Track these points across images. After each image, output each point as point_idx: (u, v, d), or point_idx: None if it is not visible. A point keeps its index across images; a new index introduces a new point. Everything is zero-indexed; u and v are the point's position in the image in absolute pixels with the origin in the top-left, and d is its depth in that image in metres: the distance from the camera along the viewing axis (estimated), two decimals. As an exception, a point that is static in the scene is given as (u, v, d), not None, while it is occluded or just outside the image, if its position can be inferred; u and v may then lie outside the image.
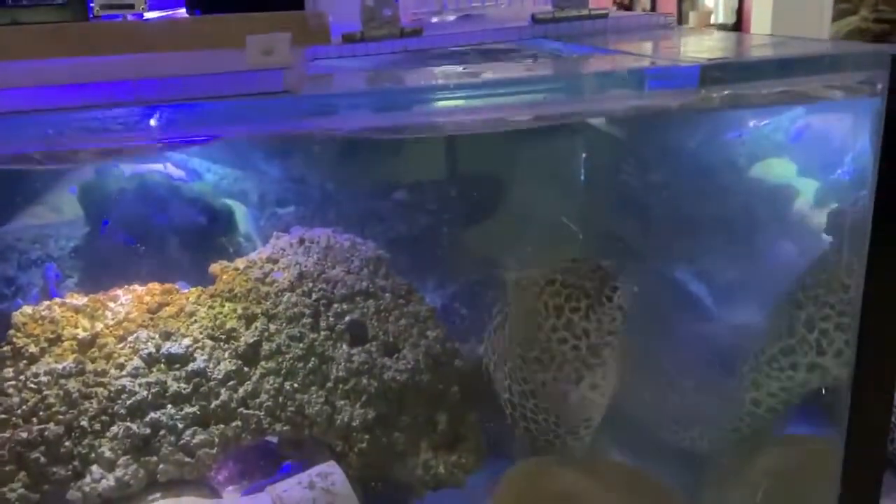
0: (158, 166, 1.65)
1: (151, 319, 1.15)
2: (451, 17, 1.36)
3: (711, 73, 0.75)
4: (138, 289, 1.19)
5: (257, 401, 1.11)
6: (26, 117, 0.64)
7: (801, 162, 1.84)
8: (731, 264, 1.73)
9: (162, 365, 1.11)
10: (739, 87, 0.78)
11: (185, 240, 1.41)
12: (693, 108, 0.77)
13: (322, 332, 1.18)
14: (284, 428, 1.11)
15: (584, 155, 2.04)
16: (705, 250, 1.75)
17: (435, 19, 1.46)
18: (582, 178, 2.05)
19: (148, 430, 1.06)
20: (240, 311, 1.18)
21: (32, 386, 1.06)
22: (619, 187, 1.91)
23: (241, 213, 1.73)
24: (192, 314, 1.16)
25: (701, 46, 1.12)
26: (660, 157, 1.84)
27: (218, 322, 1.16)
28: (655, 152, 1.85)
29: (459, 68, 0.81)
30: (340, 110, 0.69)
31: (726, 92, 0.77)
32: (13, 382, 1.07)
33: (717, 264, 1.73)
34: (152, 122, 0.65)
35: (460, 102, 0.72)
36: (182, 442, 1.07)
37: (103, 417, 1.06)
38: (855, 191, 1.35)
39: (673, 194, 1.80)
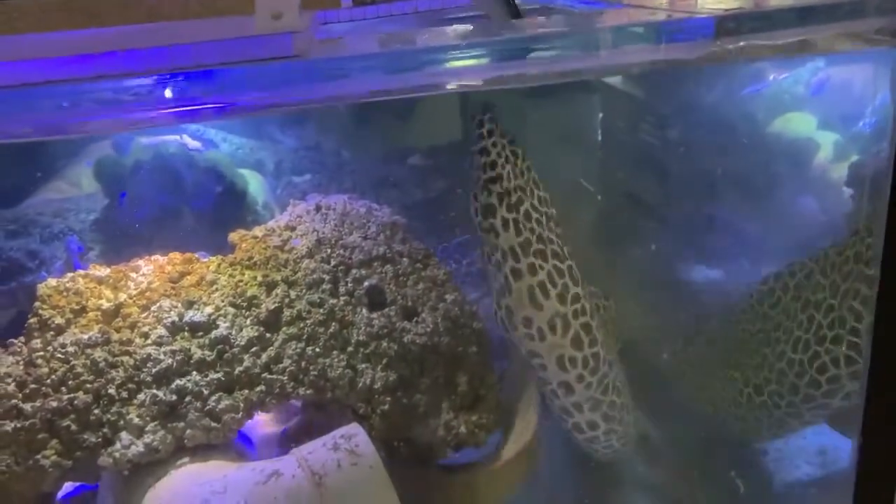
0: (174, 137, 1.66)
1: (173, 289, 1.17)
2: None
3: (727, 25, 0.74)
4: (160, 259, 1.20)
5: (280, 366, 1.13)
6: (38, 90, 0.64)
7: (821, 115, 1.81)
8: (751, 221, 1.71)
9: (185, 333, 1.13)
10: (756, 37, 0.76)
11: (204, 209, 1.43)
12: (709, 60, 0.76)
13: (341, 298, 1.19)
14: (308, 392, 1.12)
15: (600, 114, 2.02)
16: (724, 207, 1.74)
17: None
18: (599, 137, 2.03)
19: (174, 397, 1.08)
20: (260, 278, 1.19)
21: (60, 356, 1.09)
22: (637, 146, 1.89)
23: (257, 182, 1.74)
24: (213, 283, 1.18)
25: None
26: (677, 114, 1.82)
27: (239, 290, 1.17)
28: (673, 109, 1.83)
29: (470, 27, 0.80)
30: (352, 73, 0.69)
31: (743, 43, 0.76)
32: (41, 353, 1.09)
33: (736, 220, 1.72)
34: (165, 93, 0.65)
35: (473, 62, 0.72)
36: (208, 407, 1.09)
37: (130, 385, 1.08)
38: (876, 143, 1.33)
39: (691, 151, 1.78)
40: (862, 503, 0.88)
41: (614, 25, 0.74)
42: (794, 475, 1.32)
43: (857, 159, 1.50)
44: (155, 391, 1.08)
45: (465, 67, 0.71)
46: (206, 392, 1.10)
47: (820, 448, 1.31)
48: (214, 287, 1.18)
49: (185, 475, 1.05)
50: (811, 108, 1.83)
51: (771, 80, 1.93)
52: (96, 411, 1.07)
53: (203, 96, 0.66)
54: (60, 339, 1.10)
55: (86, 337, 1.10)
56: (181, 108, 0.69)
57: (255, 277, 1.19)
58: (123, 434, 1.06)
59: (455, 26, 0.83)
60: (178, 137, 1.71)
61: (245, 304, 1.17)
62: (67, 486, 1.16)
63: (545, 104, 1.90)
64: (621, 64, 0.76)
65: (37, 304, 1.13)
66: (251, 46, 0.65)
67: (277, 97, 0.69)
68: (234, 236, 1.25)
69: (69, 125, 0.67)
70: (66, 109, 0.66)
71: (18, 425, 1.04)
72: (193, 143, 1.66)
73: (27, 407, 1.05)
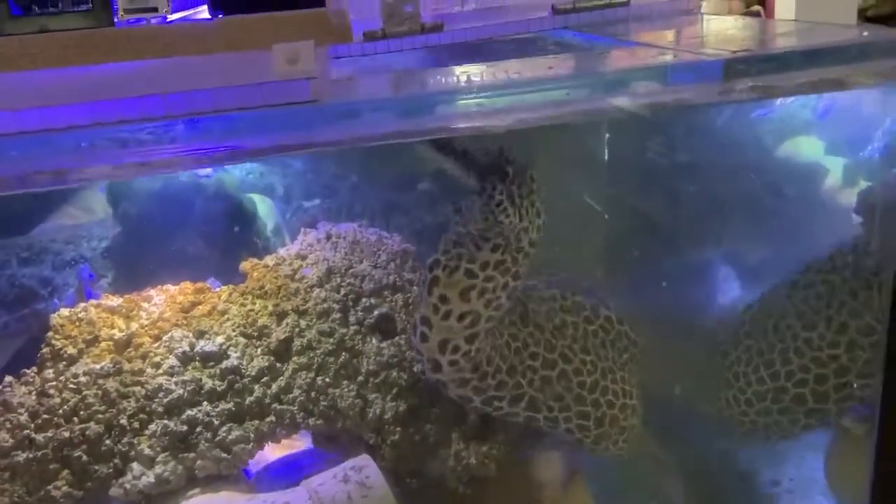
0: (185, 163, 1.67)
1: (185, 318, 1.17)
2: (472, 8, 1.36)
3: (736, 67, 0.74)
4: (171, 288, 1.21)
5: (290, 396, 1.13)
6: (58, 135, 0.66)
7: (828, 139, 1.82)
8: (758, 244, 1.71)
9: (197, 363, 1.13)
10: (765, 79, 0.77)
11: (214, 237, 1.43)
12: (717, 101, 0.76)
13: (352, 327, 1.20)
14: (318, 422, 1.13)
15: (607, 135, 2.03)
16: (732, 231, 1.74)
17: (456, 9, 1.46)
18: (606, 158, 2.03)
19: (185, 428, 1.09)
20: (270, 307, 1.20)
21: (72, 386, 1.09)
22: (643, 166, 1.90)
23: (267, 207, 1.75)
24: (224, 312, 1.19)
25: (725, 36, 1.11)
26: (685, 136, 1.83)
27: (250, 319, 1.18)
28: (680, 131, 1.83)
29: (483, 67, 0.81)
30: (365, 116, 0.70)
31: (751, 84, 0.76)
32: (54, 383, 1.10)
33: (744, 245, 1.72)
34: (181, 135, 0.66)
35: (484, 102, 0.72)
36: (218, 438, 1.09)
37: (141, 416, 1.09)
38: (886, 168, 1.33)
39: (698, 174, 1.78)
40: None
41: (620, 67, 0.75)
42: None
43: (867, 186, 1.50)
44: (166, 422, 1.08)
45: (478, 111, 0.72)
46: (216, 423, 1.10)
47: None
48: (226, 317, 1.18)
49: (197, 507, 1.05)
50: (818, 132, 1.83)
51: (778, 105, 1.93)
52: (108, 442, 1.07)
53: (220, 140, 0.67)
54: (73, 370, 1.11)
55: (98, 367, 1.11)
56: (197, 151, 0.70)
57: (266, 307, 1.20)
58: (135, 465, 1.07)
59: (466, 66, 0.84)
60: (188, 163, 1.73)
61: (256, 334, 1.17)
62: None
63: (553, 127, 1.91)
64: (628, 105, 0.77)
65: (49, 333, 1.14)
66: (268, 92, 0.66)
67: (293, 139, 0.70)
68: (245, 265, 1.25)
69: (81, 170, 0.68)
70: (81, 153, 0.67)
71: (30, 456, 1.05)
72: (204, 170, 1.67)
73: (39, 437, 1.06)
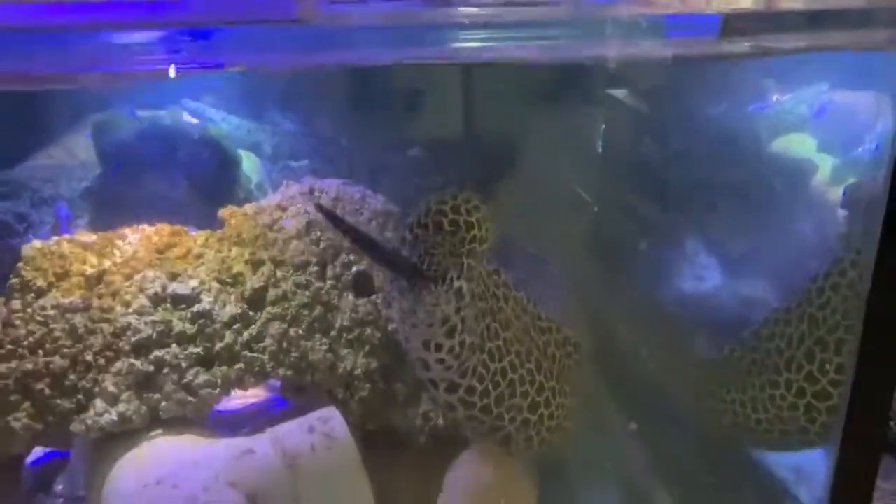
0: (173, 112, 1.65)
1: (159, 259, 1.16)
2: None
3: (734, 24, 0.73)
4: (147, 228, 1.19)
5: (261, 345, 1.12)
6: (39, 34, 0.63)
7: (821, 138, 1.82)
8: (747, 238, 1.71)
9: (168, 305, 1.12)
10: (762, 38, 0.76)
11: (197, 183, 1.42)
12: (713, 57, 0.75)
13: (328, 282, 1.18)
14: (287, 373, 1.11)
15: (602, 126, 2.02)
16: (721, 223, 1.74)
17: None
18: (599, 148, 2.03)
19: (152, 368, 1.07)
20: (247, 255, 1.18)
21: (39, 319, 1.07)
22: (637, 159, 1.89)
23: (253, 163, 1.73)
24: (199, 256, 1.17)
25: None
26: (679, 130, 1.82)
27: (225, 265, 1.16)
28: (675, 124, 1.83)
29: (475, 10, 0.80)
30: (354, 41, 0.68)
31: (748, 44, 0.75)
32: (20, 314, 1.08)
33: (732, 237, 1.72)
34: (166, 46, 0.64)
35: (477, 43, 0.71)
36: (185, 381, 1.08)
37: (108, 353, 1.07)
38: (874, 169, 1.32)
39: (690, 167, 1.78)
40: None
41: (618, 16, 0.73)
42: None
43: (853, 182, 1.50)
44: (132, 361, 1.07)
45: (468, 47, 0.70)
46: (184, 365, 1.08)
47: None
48: (200, 261, 1.16)
49: (158, 447, 1.04)
50: (812, 130, 1.83)
51: (774, 101, 1.93)
52: (72, 377, 1.06)
53: (202, 53, 0.65)
54: (41, 302, 1.09)
55: (67, 301, 1.09)
56: (181, 63, 0.68)
57: (242, 255, 1.18)
58: (98, 401, 1.05)
59: (461, 9, 0.83)
60: (177, 113, 1.71)
61: (230, 281, 1.16)
62: (38, 451, 1.14)
63: (548, 112, 1.90)
64: (622, 55, 0.76)
65: (20, 265, 1.12)
66: (255, 7, 0.64)
67: (275, 60, 0.69)
68: (224, 212, 1.23)
69: (61, 74, 0.66)
70: (61, 58, 0.64)
71: (-9, 385, 1.03)
72: (192, 120, 1.65)
73: (2, 367, 1.04)
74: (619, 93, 1.95)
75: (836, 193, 1.59)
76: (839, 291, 1.06)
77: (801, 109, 1.87)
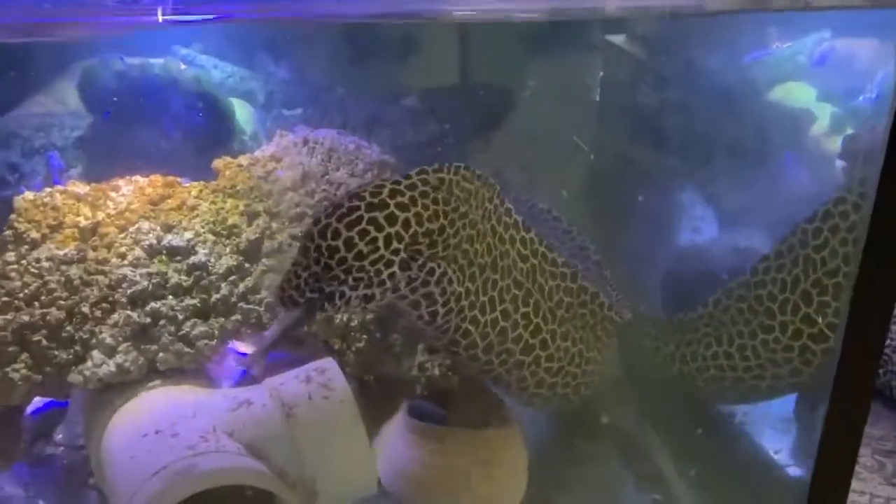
0: (163, 60, 1.62)
1: (153, 211, 1.15)
2: None
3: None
4: (140, 180, 1.18)
5: (258, 296, 1.12)
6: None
7: (821, 87, 1.80)
8: (743, 188, 1.71)
9: (163, 256, 1.11)
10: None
11: (189, 133, 1.40)
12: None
13: (323, 233, 1.18)
14: (283, 324, 1.12)
15: (601, 73, 1.99)
16: (715, 172, 1.73)
17: None
18: (597, 96, 2.00)
19: (148, 320, 1.07)
20: (242, 207, 1.17)
21: (34, 271, 1.07)
22: (635, 107, 1.87)
23: (246, 112, 1.71)
24: (193, 208, 1.16)
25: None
26: (678, 78, 1.80)
27: (220, 217, 1.16)
28: (674, 72, 1.80)
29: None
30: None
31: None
32: (15, 266, 1.07)
33: (728, 187, 1.71)
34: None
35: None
36: (182, 332, 1.08)
37: (104, 305, 1.07)
38: (874, 118, 1.31)
39: (688, 116, 1.76)
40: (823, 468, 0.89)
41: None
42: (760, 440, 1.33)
43: (851, 132, 1.49)
44: (129, 312, 1.07)
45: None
46: (180, 317, 1.09)
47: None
48: (195, 213, 1.16)
49: (156, 397, 1.05)
50: (812, 79, 1.81)
51: (774, 49, 1.90)
52: (68, 328, 1.06)
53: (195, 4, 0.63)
54: (35, 254, 1.09)
55: (61, 253, 1.08)
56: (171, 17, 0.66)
57: (236, 206, 1.17)
58: (95, 353, 1.06)
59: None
60: (167, 60, 1.67)
61: (225, 233, 1.15)
62: (38, 402, 1.15)
63: (545, 57, 1.87)
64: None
65: (13, 216, 1.11)
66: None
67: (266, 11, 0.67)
68: (218, 163, 1.22)
69: (47, 25, 0.64)
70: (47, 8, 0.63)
71: (-12, 337, 1.03)
72: (183, 67, 1.62)
73: (-2, 319, 1.04)
74: (617, 40, 1.92)
75: (835, 143, 1.58)
76: (838, 233, 1.05)
77: (801, 58, 1.85)
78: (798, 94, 1.80)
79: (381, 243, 0.87)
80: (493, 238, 1.02)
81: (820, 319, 1.08)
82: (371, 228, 0.86)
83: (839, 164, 1.43)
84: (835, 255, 1.05)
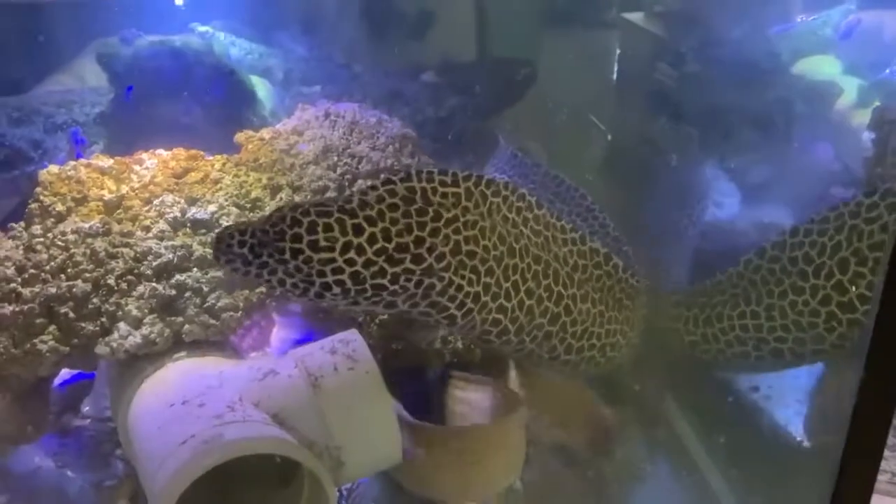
0: (184, 37, 1.62)
1: (177, 184, 1.15)
2: None
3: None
4: (163, 153, 1.19)
5: (281, 269, 1.12)
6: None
7: (847, 59, 1.77)
8: (768, 162, 1.69)
9: (188, 229, 1.12)
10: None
11: (209, 108, 1.40)
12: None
13: (346, 206, 1.17)
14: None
15: (618, 51, 1.97)
16: (737, 148, 1.71)
17: None
18: (615, 74, 1.99)
19: (174, 292, 1.08)
20: (265, 181, 1.17)
21: (60, 243, 1.08)
22: (653, 85, 1.85)
23: (266, 89, 1.71)
24: (217, 181, 1.16)
25: None
26: (698, 52, 1.78)
27: (243, 190, 1.16)
28: (694, 47, 1.78)
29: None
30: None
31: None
32: (41, 239, 1.08)
33: (753, 162, 1.69)
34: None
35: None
36: (207, 304, 1.08)
37: (129, 277, 1.08)
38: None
39: (708, 91, 1.74)
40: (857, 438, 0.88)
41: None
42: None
43: (882, 104, 1.46)
44: (154, 284, 1.07)
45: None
46: (206, 289, 1.09)
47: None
48: (218, 186, 1.16)
49: (182, 368, 1.05)
50: (838, 51, 1.78)
51: (799, 21, 1.87)
52: (95, 300, 1.06)
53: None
54: (61, 227, 1.09)
55: (86, 226, 1.09)
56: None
57: (259, 180, 1.17)
58: (121, 325, 1.06)
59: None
60: (187, 38, 1.67)
61: (248, 206, 1.15)
62: (64, 374, 1.16)
63: (563, 38, 1.86)
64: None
65: (38, 189, 1.12)
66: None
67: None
68: (240, 137, 1.22)
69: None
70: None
71: (17, 309, 1.03)
72: (203, 44, 1.62)
73: (26, 291, 1.04)
74: (637, 14, 1.90)
75: (863, 116, 1.56)
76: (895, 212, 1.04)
77: (827, 30, 1.82)
78: (824, 66, 1.77)
79: (338, 246, 0.90)
80: (505, 226, 1.02)
81: (853, 289, 1.06)
82: (336, 229, 0.90)
83: (867, 136, 1.40)
84: (884, 230, 1.04)
